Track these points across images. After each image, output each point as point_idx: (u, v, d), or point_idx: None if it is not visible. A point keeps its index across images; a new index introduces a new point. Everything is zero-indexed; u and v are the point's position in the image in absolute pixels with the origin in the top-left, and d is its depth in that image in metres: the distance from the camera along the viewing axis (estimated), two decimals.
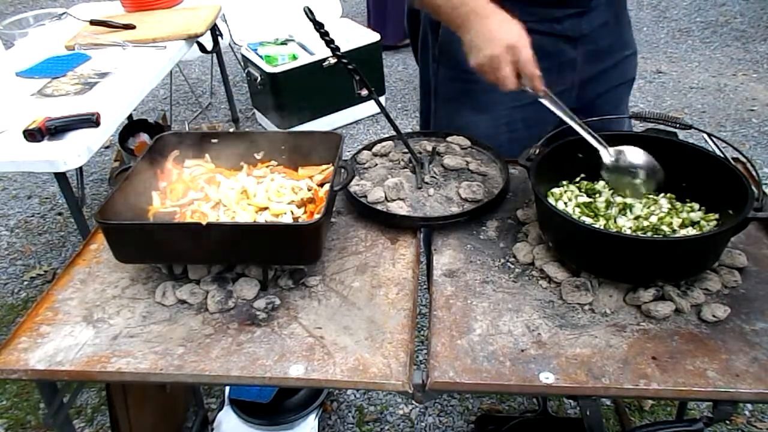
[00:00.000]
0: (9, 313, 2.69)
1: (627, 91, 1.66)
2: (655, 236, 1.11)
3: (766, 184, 2.96)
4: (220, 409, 2.03)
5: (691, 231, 1.13)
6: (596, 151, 1.20)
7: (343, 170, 1.26)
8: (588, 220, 1.16)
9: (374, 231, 1.30)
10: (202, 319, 1.11)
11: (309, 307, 1.12)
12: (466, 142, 1.48)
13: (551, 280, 1.13)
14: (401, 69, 4.63)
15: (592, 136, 1.19)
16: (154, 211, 1.25)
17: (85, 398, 2.26)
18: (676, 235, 1.12)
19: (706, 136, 1.30)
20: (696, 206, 1.20)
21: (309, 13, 1.22)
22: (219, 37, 2.96)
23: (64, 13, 2.80)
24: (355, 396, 2.21)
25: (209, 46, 2.86)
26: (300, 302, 1.14)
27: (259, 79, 3.68)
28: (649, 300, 1.06)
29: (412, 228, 1.29)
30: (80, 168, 1.91)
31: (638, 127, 1.42)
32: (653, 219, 1.16)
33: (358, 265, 1.21)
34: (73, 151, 1.74)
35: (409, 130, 1.64)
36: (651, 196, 1.23)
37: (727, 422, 1.99)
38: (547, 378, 0.95)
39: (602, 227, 1.14)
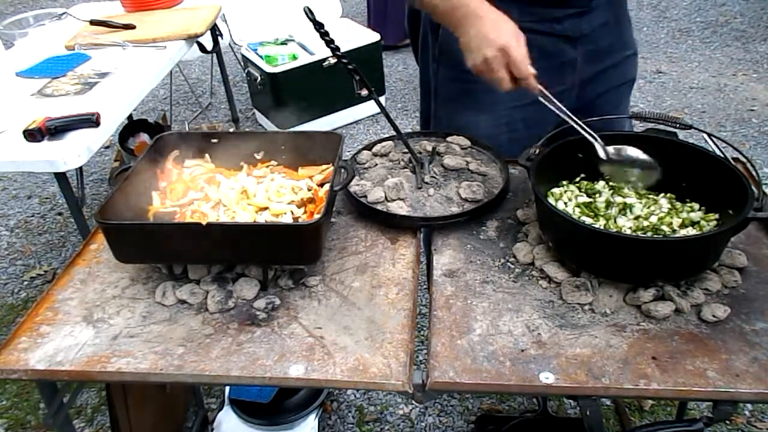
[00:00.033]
0: (9, 313, 2.69)
1: (627, 91, 1.66)
2: (655, 236, 1.11)
3: (766, 184, 2.96)
4: (220, 409, 2.03)
5: (691, 231, 1.13)
6: (595, 150, 1.20)
7: (343, 170, 1.26)
8: (588, 220, 1.16)
9: (374, 231, 1.30)
10: (202, 319, 1.11)
11: (309, 307, 1.12)
12: (466, 142, 1.48)
13: (551, 280, 1.13)
14: (401, 69, 4.63)
15: (589, 134, 1.19)
16: (154, 211, 1.25)
17: (85, 398, 2.26)
18: (676, 235, 1.12)
19: (706, 136, 1.30)
20: (696, 206, 1.20)
21: (309, 13, 1.22)
22: (219, 37, 2.96)
23: (64, 13, 2.80)
24: (355, 396, 2.21)
25: (209, 46, 2.86)
26: (300, 302, 1.14)
27: (259, 79, 3.68)
28: (649, 300, 1.06)
29: (412, 228, 1.29)
30: (80, 168, 1.91)
31: (638, 127, 1.43)
32: (653, 219, 1.16)
33: (358, 265, 1.21)
34: (73, 151, 1.74)
35: (409, 130, 1.64)
36: (651, 196, 1.23)
37: (727, 422, 1.99)
38: (547, 378, 0.95)
39: (602, 227, 1.14)
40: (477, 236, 1.27)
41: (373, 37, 3.81)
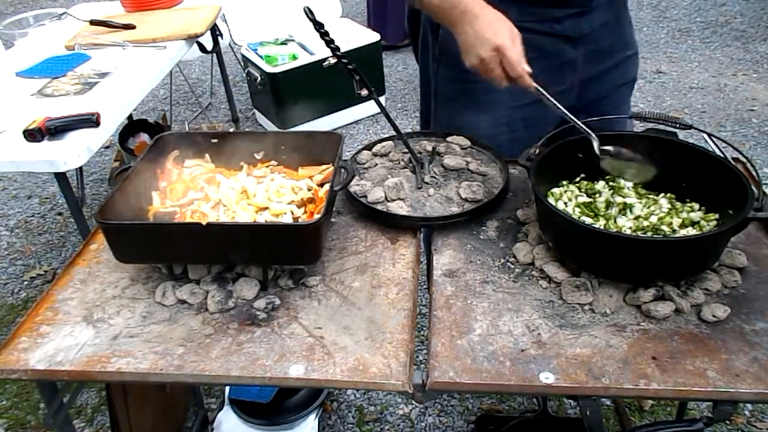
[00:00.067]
0: (9, 313, 2.69)
1: (628, 91, 1.66)
2: (655, 236, 1.11)
3: (766, 184, 2.96)
4: (220, 409, 2.03)
5: (691, 231, 1.13)
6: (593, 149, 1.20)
7: (343, 170, 1.26)
8: (588, 220, 1.16)
9: (374, 231, 1.30)
10: (202, 319, 1.11)
11: (309, 307, 1.12)
12: (466, 142, 1.48)
13: (551, 280, 1.13)
14: (401, 69, 4.63)
15: (586, 131, 1.20)
16: (154, 211, 1.25)
17: (85, 398, 2.26)
18: (676, 235, 1.12)
19: (706, 136, 1.30)
20: (696, 206, 1.20)
21: (309, 13, 1.22)
22: (219, 37, 2.96)
23: (64, 13, 2.80)
24: (355, 396, 2.21)
25: (209, 46, 2.86)
26: (300, 302, 1.14)
27: (259, 79, 3.68)
28: (649, 300, 1.06)
29: (412, 228, 1.29)
30: (80, 168, 1.91)
31: (638, 127, 1.42)
32: (653, 219, 1.16)
33: (358, 265, 1.21)
34: (73, 151, 1.74)
35: (409, 130, 1.64)
36: (651, 196, 1.23)
37: (727, 422, 1.99)
38: (547, 378, 0.95)
39: (602, 227, 1.14)
40: (477, 236, 1.27)
41: (373, 37, 3.81)
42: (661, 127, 1.23)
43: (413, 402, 1.52)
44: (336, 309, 1.11)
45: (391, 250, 1.24)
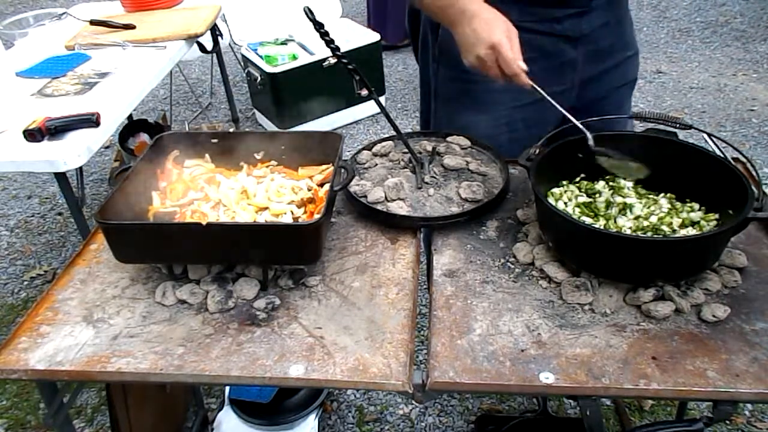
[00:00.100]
0: (9, 313, 2.69)
1: (629, 92, 1.66)
2: (655, 236, 1.11)
3: (766, 184, 2.96)
4: (220, 409, 2.03)
5: (691, 231, 1.13)
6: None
7: (343, 170, 1.26)
8: (588, 220, 1.16)
9: (374, 231, 1.30)
10: (202, 319, 1.11)
11: (309, 307, 1.12)
12: (466, 142, 1.48)
13: (551, 280, 1.13)
14: (401, 69, 4.63)
15: (581, 129, 1.20)
16: (154, 211, 1.25)
17: (85, 398, 2.26)
18: (676, 235, 1.12)
19: (706, 136, 1.30)
20: (696, 206, 1.20)
21: (309, 13, 1.22)
22: (219, 37, 2.96)
23: (64, 13, 2.80)
24: (355, 396, 2.21)
25: (209, 46, 2.86)
26: (300, 302, 1.14)
27: (259, 79, 3.68)
28: (649, 300, 1.06)
29: (412, 228, 1.29)
30: (80, 168, 1.91)
31: (638, 127, 1.42)
32: (653, 219, 1.16)
33: (358, 265, 1.21)
34: (73, 151, 1.74)
35: (409, 130, 1.64)
36: (651, 196, 1.23)
37: (727, 422, 1.99)
38: (547, 378, 0.95)
39: (602, 227, 1.14)
40: (477, 236, 1.27)
41: (373, 37, 3.81)
42: (661, 127, 1.23)
43: (413, 402, 1.52)
44: (336, 309, 1.11)
45: (391, 250, 1.24)
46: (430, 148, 1.46)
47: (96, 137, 1.83)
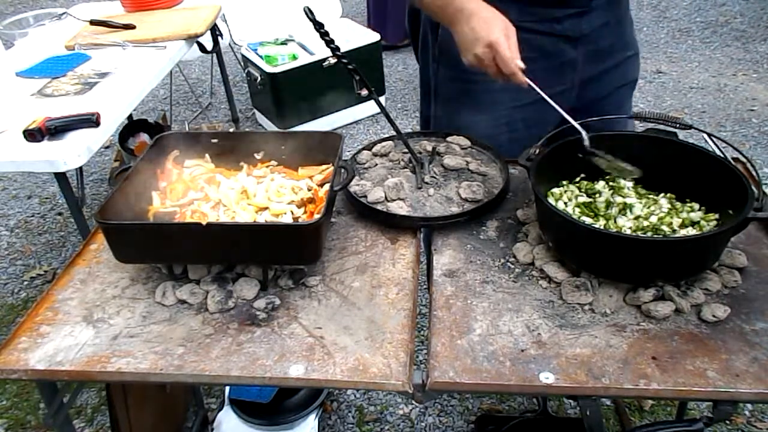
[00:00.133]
0: (9, 313, 2.69)
1: (629, 92, 1.66)
2: (655, 236, 1.11)
3: (766, 184, 2.96)
4: (220, 409, 2.03)
5: (691, 231, 1.13)
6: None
7: (343, 170, 1.26)
8: (588, 220, 1.16)
9: (374, 231, 1.30)
10: (202, 319, 1.11)
11: (309, 307, 1.12)
12: (466, 142, 1.48)
13: (551, 280, 1.13)
14: (401, 69, 4.63)
15: (577, 128, 1.20)
16: (154, 211, 1.25)
17: (85, 398, 2.26)
18: (676, 235, 1.12)
19: (706, 136, 1.30)
20: (696, 206, 1.20)
21: (309, 13, 1.22)
22: (219, 37, 2.96)
23: (64, 13, 2.80)
24: (355, 396, 2.21)
25: (209, 46, 2.86)
26: (300, 302, 1.14)
27: (259, 79, 3.68)
28: (649, 300, 1.06)
29: (412, 228, 1.29)
30: (80, 168, 1.91)
31: (638, 127, 1.42)
32: (653, 219, 1.16)
33: (358, 265, 1.21)
34: (73, 151, 1.74)
35: (409, 130, 1.64)
36: (651, 196, 1.23)
37: (727, 422, 1.99)
38: (547, 378, 0.95)
39: (602, 227, 1.14)
40: (477, 236, 1.27)
41: (373, 37, 3.81)
42: (661, 127, 1.23)
43: (413, 402, 1.52)
44: (336, 309, 1.11)
45: (391, 250, 1.24)
46: (430, 148, 1.46)
47: (96, 137, 1.83)
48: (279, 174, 1.36)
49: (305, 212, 1.26)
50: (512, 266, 1.19)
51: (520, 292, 1.12)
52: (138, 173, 1.26)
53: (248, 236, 1.11)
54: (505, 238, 1.26)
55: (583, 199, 1.23)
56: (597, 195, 1.24)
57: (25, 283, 2.88)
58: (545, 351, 1.00)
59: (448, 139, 1.50)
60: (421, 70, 1.70)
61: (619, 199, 1.21)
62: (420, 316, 1.30)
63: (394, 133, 1.42)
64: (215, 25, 2.80)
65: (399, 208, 1.29)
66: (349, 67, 1.27)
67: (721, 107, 3.83)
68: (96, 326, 1.10)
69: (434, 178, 1.37)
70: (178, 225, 1.19)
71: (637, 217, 1.17)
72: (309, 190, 1.32)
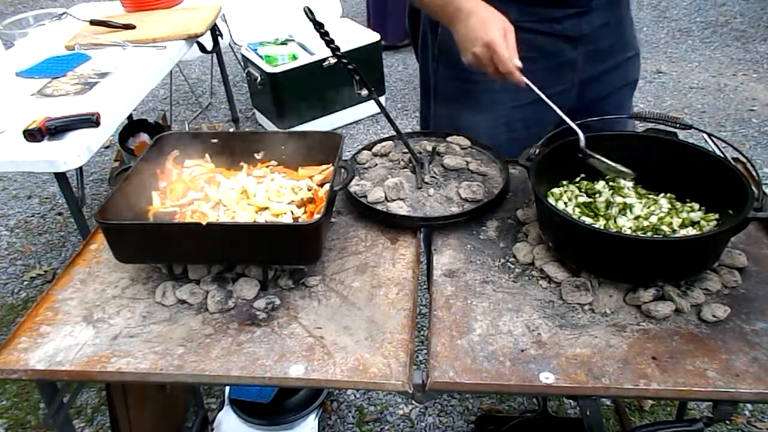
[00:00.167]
0: (9, 313, 2.69)
1: (630, 92, 1.66)
2: (655, 236, 1.11)
3: (766, 184, 2.96)
4: (220, 409, 2.03)
5: (691, 231, 1.13)
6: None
7: (343, 170, 1.26)
8: (588, 220, 1.16)
9: (374, 231, 1.30)
10: (202, 319, 1.11)
11: (309, 307, 1.12)
12: (466, 142, 1.48)
13: (551, 280, 1.13)
14: (401, 69, 4.63)
15: (574, 129, 1.20)
16: (154, 211, 1.25)
17: (85, 398, 2.26)
18: (676, 235, 1.12)
19: (706, 136, 1.30)
20: (696, 206, 1.20)
21: (309, 13, 1.22)
22: (219, 37, 2.96)
23: (64, 13, 2.80)
24: (355, 396, 2.21)
25: (209, 46, 2.86)
26: (300, 302, 1.14)
27: (259, 79, 3.68)
28: (649, 300, 1.06)
29: (412, 228, 1.29)
30: (80, 168, 1.91)
31: (638, 127, 1.42)
32: (653, 219, 1.16)
33: (358, 265, 1.21)
34: (73, 151, 1.74)
35: (409, 130, 1.64)
36: (651, 196, 1.23)
37: (727, 422, 1.99)
38: (547, 378, 0.95)
39: (602, 227, 1.14)
40: (477, 236, 1.27)
41: (373, 37, 3.81)
42: (661, 127, 1.23)
43: (413, 402, 1.52)
44: (336, 309, 1.11)
45: (391, 250, 1.24)
46: (430, 148, 1.46)
47: (96, 137, 1.83)
48: (279, 174, 1.36)
49: (305, 212, 1.26)
50: (512, 266, 1.19)
51: (520, 292, 1.12)
52: (138, 173, 1.26)
53: (248, 236, 1.11)
54: (505, 238, 1.26)
55: (583, 199, 1.23)
56: (597, 195, 1.24)
57: (25, 283, 2.88)
58: (545, 351, 1.00)
59: (448, 139, 1.50)
60: (421, 69, 1.70)
61: (619, 199, 1.21)
62: (420, 316, 1.30)
63: (394, 133, 1.42)
64: (215, 25, 2.80)
65: (399, 208, 1.29)
66: (349, 67, 1.27)
67: (721, 107, 3.83)
68: (96, 326, 1.10)
69: (434, 178, 1.37)
70: (178, 225, 1.19)
71: (637, 217, 1.17)
72: (309, 190, 1.32)
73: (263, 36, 3.95)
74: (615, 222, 1.16)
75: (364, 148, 1.49)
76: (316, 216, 1.10)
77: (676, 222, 1.15)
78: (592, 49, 1.49)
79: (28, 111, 1.92)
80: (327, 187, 1.21)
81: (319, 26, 1.22)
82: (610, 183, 1.26)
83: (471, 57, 1.23)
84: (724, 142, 1.24)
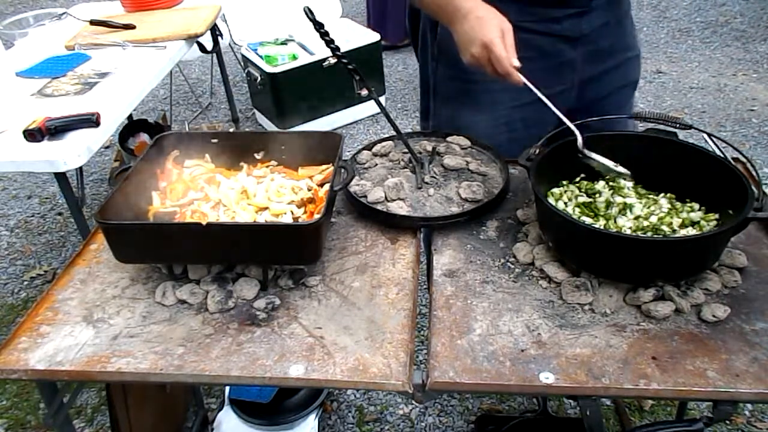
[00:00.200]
0: (9, 313, 2.69)
1: (630, 93, 1.65)
2: (655, 236, 1.11)
3: (766, 184, 2.96)
4: (220, 409, 2.03)
5: (691, 231, 1.13)
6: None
7: (343, 170, 1.26)
8: (588, 220, 1.16)
9: (374, 231, 1.30)
10: (202, 319, 1.11)
11: (309, 307, 1.12)
12: (466, 142, 1.48)
13: (551, 280, 1.13)
14: (401, 69, 4.63)
15: (572, 128, 1.20)
16: (154, 211, 1.25)
17: (85, 398, 2.26)
18: (676, 235, 1.12)
19: (706, 136, 1.30)
20: (696, 206, 1.20)
21: (309, 13, 1.22)
22: (219, 37, 2.96)
23: (64, 13, 2.80)
24: (355, 396, 2.21)
25: (209, 46, 2.86)
26: (300, 302, 1.14)
27: (259, 79, 3.68)
28: (649, 300, 1.06)
29: (412, 228, 1.29)
30: (80, 168, 1.91)
31: (638, 127, 1.42)
32: (653, 219, 1.16)
33: (358, 265, 1.21)
34: (73, 151, 1.74)
35: (409, 130, 1.64)
36: (651, 196, 1.23)
37: (727, 422, 1.99)
38: (547, 378, 0.95)
39: (602, 227, 1.14)
40: (477, 236, 1.27)
41: (373, 37, 3.81)
42: (661, 127, 1.23)
43: (413, 402, 1.52)
44: (336, 309, 1.11)
45: (391, 250, 1.24)
46: (430, 148, 1.46)
47: (96, 137, 1.83)
48: (279, 174, 1.36)
49: (305, 212, 1.26)
50: (512, 266, 1.19)
51: (520, 292, 1.12)
52: (138, 173, 1.26)
53: (248, 236, 1.11)
54: (505, 238, 1.26)
55: (583, 199, 1.23)
56: (597, 195, 1.23)
57: (25, 283, 2.88)
58: (545, 351, 1.00)
59: (448, 139, 1.50)
60: (421, 69, 1.70)
61: (619, 199, 1.21)
62: (420, 316, 1.30)
63: (394, 133, 1.42)
64: (215, 25, 2.80)
65: (399, 208, 1.29)
66: (349, 67, 1.27)
67: (721, 107, 3.83)
68: (96, 326, 1.10)
69: (434, 178, 1.37)
70: (178, 225, 1.19)
71: (637, 217, 1.17)
72: (309, 190, 1.32)
73: (263, 36, 3.95)
74: (615, 222, 1.16)
75: (364, 148, 1.49)
76: (316, 216, 1.10)
77: (676, 222, 1.15)
78: (592, 50, 1.49)
79: (28, 111, 1.92)
80: (327, 187, 1.21)
81: (319, 26, 1.22)
82: (610, 183, 1.26)
83: (469, 57, 1.23)
84: (724, 142, 1.24)
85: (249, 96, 4.19)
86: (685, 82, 4.16)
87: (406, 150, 1.40)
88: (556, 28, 1.43)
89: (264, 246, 1.11)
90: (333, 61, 1.28)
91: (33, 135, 1.77)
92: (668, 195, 1.23)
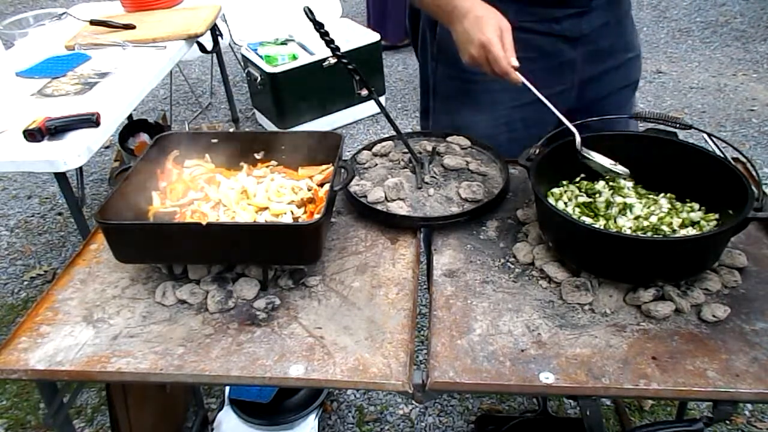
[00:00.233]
0: (9, 313, 2.69)
1: (631, 93, 1.65)
2: (655, 236, 1.11)
3: (766, 184, 2.96)
4: (220, 409, 2.03)
5: (691, 231, 1.13)
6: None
7: (343, 170, 1.26)
8: (588, 220, 1.16)
9: (374, 231, 1.30)
10: (202, 319, 1.11)
11: (309, 307, 1.12)
12: (466, 142, 1.48)
13: (551, 280, 1.13)
14: (401, 69, 4.63)
15: (570, 128, 1.20)
16: (154, 211, 1.25)
17: (85, 398, 2.26)
18: (676, 235, 1.12)
19: (706, 136, 1.30)
20: (696, 206, 1.20)
21: (309, 13, 1.22)
22: (219, 37, 2.96)
23: (64, 13, 2.81)
24: (355, 396, 2.21)
25: (209, 46, 2.86)
26: (300, 302, 1.14)
27: (259, 79, 3.68)
28: (649, 300, 1.06)
29: (412, 228, 1.29)
30: (80, 168, 1.91)
31: (638, 127, 1.42)
32: (653, 219, 1.16)
33: (358, 265, 1.21)
34: (73, 151, 1.74)
35: (409, 130, 1.64)
36: (651, 196, 1.23)
37: (727, 422, 1.99)
38: (547, 378, 0.95)
39: (602, 227, 1.14)
40: (477, 236, 1.27)
41: (373, 37, 3.81)
42: (661, 127, 1.23)
43: (413, 402, 1.52)
44: (336, 309, 1.11)
45: (391, 250, 1.24)
46: (430, 148, 1.46)
47: (96, 137, 1.83)
48: (279, 174, 1.36)
49: (305, 212, 1.26)
50: (512, 266, 1.19)
51: (520, 292, 1.12)
52: (138, 173, 1.26)
53: (248, 236, 1.11)
54: (505, 238, 1.26)
55: (583, 199, 1.23)
56: (597, 195, 1.23)
57: (25, 283, 2.88)
58: (545, 351, 1.00)
59: (448, 139, 1.50)
60: (421, 69, 1.70)
61: (619, 199, 1.21)
62: (420, 316, 1.30)
63: (394, 133, 1.42)
64: (215, 25, 2.80)
65: (399, 208, 1.29)
66: (349, 67, 1.27)
67: (721, 107, 3.83)
68: (96, 326, 1.10)
69: (434, 178, 1.37)
70: (178, 225, 1.19)
71: (637, 217, 1.17)
72: (309, 190, 1.32)
73: (263, 36, 3.95)
74: (615, 222, 1.16)
75: (364, 148, 1.49)
76: (316, 216, 1.10)
77: (676, 222, 1.15)
78: (592, 50, 1.49)
79: (28, 111, 1.92)
80: (327, 187, 1.21)
81: (319, 26, 1.22)
82: (610, 183, 1.26)
83: (468, 57, 1.22)
84: (724, 142, 1.24)
85: (249, 96, 4.19)
86: (685, 82, 4.16)
87: (406, 150, 1.40)
88: (556, 28, 1.43)
89: (264, 246, 1.11)
90: (333, 61, 1.28)
91: (33, 135, 1.77)
92: (668, 195, 1.23)
